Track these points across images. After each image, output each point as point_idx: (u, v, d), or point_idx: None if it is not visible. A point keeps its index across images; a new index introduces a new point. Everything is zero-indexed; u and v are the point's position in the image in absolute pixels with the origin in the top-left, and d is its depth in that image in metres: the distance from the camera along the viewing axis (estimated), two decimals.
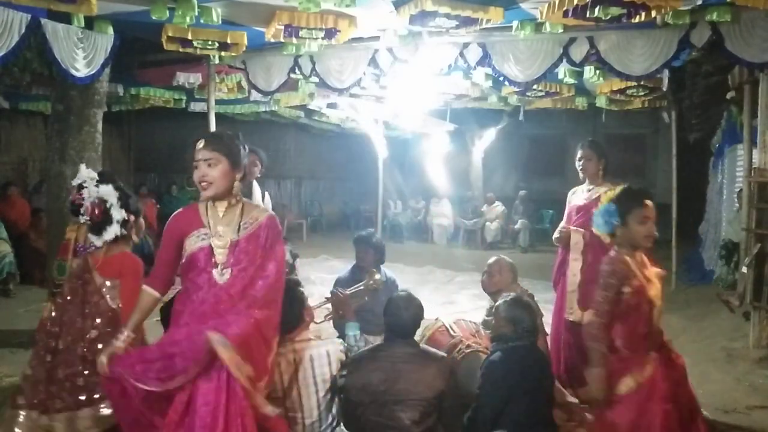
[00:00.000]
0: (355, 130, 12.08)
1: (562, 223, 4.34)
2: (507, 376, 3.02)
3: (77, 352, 3.11)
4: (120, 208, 3.23)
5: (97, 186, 3.29)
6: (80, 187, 3.51)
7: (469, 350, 3.77)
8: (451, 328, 4.13)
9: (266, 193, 5.14)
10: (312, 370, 2.97)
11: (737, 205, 7.55)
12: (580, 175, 4.25)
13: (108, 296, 3.17)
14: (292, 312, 3.08)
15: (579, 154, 4.23)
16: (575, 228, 4.14)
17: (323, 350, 3.06)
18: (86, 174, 3.50)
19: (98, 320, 3.14)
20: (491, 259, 4.10)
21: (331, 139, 15.26)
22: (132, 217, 3.30)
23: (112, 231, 3.20)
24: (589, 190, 4.18)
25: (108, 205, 3.21)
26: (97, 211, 3.19)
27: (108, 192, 3.24)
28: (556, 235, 4.31)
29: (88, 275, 3.21)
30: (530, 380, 3.08)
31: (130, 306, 2.91)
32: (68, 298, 3.22)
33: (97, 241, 3.23)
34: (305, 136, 15.44)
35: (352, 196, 16.27)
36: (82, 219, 3.54)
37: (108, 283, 3.18)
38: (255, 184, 5.02)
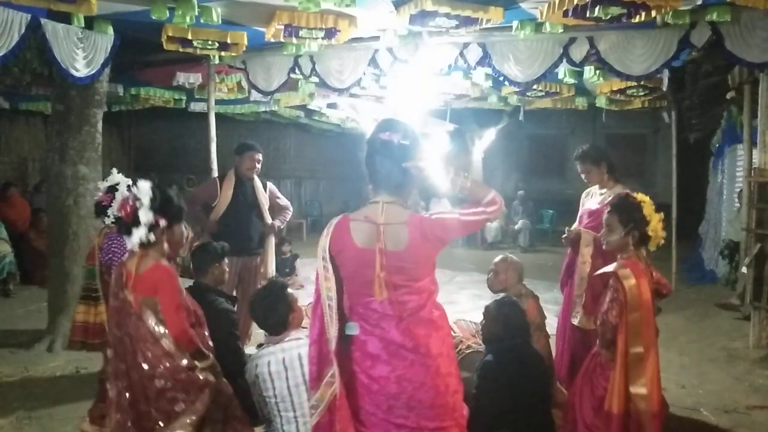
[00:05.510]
0: (355, 130, 12.08)
1: (574, 226, 4.17)
2: (502, 376, 3.02)
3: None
4: (149, 210, 2.78)
5: (131, 187, 2.93)
6: (112, 188, 3.46)
7: (469, 350, 3.78)
8: (451, 329, 4.12)
9: (268, 184, 5.18)
10: (301, 369, 2.93)
11: (737, 204, 7.55)
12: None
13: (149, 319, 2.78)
14: (279, 315, 3.08)
15: (578, 167, 4.14)
16: (586, 230, 4.01)
17: None
18: (119, 178, 3.45)
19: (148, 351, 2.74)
20: (497, 258, 4.02)
21: (331, 139, 15.25)
22: (163, 222, 2.83)
23: (137, 235, 2.77)
24: (602, 194, 4.07)
25: (139, 205, 2.79)
26: (128, 209, 2.80)
27: (143, 190, 2.82)
28: (564, 235, 4.10)
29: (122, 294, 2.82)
30: (526, 378, 3.08)
31: (175, 326, 2.74)
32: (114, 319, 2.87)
33: (128, 243, 2.84)
34: (305, 136, 15.44)
35: (352, 196, 16.26)
36: (108, 220, 3.53)
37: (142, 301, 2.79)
38: (257, 180, 5.03)
